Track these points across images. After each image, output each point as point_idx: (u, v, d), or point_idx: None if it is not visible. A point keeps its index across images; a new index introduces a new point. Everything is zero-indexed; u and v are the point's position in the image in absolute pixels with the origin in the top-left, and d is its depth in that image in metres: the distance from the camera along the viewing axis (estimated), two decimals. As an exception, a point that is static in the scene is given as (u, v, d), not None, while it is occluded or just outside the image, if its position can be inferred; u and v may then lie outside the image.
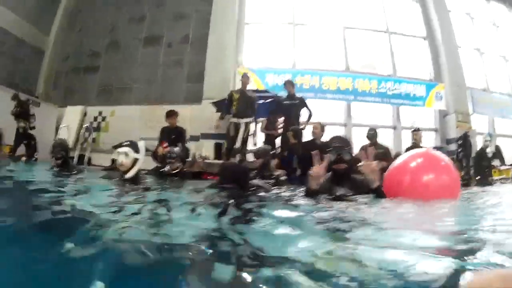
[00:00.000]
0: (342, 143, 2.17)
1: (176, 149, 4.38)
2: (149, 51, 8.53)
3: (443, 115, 9.37)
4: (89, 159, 7.97)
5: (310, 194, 2.02)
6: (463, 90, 9.41)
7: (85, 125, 7.83)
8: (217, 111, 7.31)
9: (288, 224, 1.27)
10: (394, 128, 9.02)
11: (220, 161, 7.06)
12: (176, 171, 4.31)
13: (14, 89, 8.11)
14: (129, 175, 2.65)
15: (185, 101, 7.87)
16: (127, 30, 8.85)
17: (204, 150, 7.27)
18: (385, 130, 8.84)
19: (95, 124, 8.46)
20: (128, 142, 2.74)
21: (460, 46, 9.66)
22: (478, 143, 7.91)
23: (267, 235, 1.15)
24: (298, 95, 5.80)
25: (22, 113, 6.69)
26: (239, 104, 5.33)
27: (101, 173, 5.07)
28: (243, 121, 5.32)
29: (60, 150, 3.47)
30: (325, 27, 8.86)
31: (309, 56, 8.52)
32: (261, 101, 7.22)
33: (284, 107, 5.65)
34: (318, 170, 1.99)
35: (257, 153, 3.93)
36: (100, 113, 8.50)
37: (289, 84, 5.78)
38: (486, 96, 10.04)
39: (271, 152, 4.29)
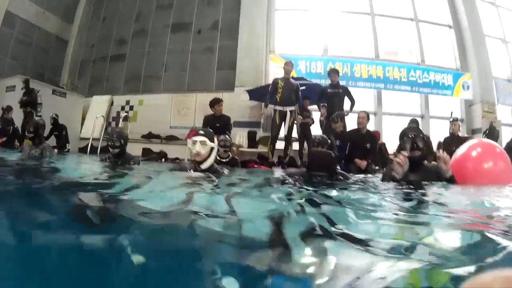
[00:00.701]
0: (416, 132, 2.33)
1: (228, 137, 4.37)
2: (178, 38, 8.40)
3: (468, 104, 9.31)
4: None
5: (390, 179, 2.24)
6: (489, 80, 9.36)
7: (124, 114, 7.51)
8: (250, 98, 7.23)
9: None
10: (422, 117, 8.95)
11: (253, 149, 7.02)
12: (228, 159, 4.32)
13: (40, 80, 8.04)
14: (206, 165, 2.48)
15: (217, 89, 7.75)
16: (154, 17, 8.71)
17: (238, 138, 7.18)
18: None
19: (122, 114, 8.35)
20: (203, 131, 2.51)
21: (486, 35, 9.59)
22: (503, 134, 7.88)
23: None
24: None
25: (30, 102, 6.54)
26: (284, 92, 5.24)
27: (160, 165, 4.91)
28: (288, 108, 5.25)
29: (118, 138, 3.02)
30: (354, 14, 8.75)
31: (338, 43, 8.41)
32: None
33: (328, 96, 5.59)
34: (404, 159, 2.19)
35: (319, 142, 3.88)
36: (127, 102, 8.39)
37: (333, 72, 5.70)
38: (511, 86, 9.98)
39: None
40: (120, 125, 8.02)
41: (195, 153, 2.45)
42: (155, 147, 7.21)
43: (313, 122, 6.61)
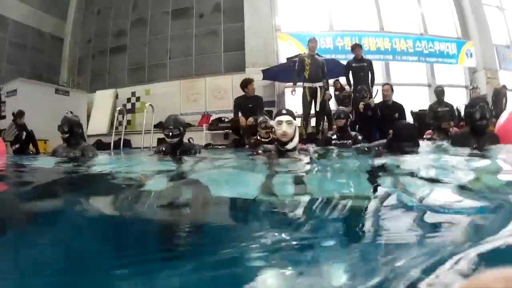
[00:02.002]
0: (484, 103, 2.68)
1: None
2: (180, 24, 8.15)
3: (472, 72, 9.39)
4: (128, 142, 7.59)
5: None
6: (490, 47, 9.45)
7: (118, 108, 7.30)
8: (264, 78, 7.06)
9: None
10: (429, 86, 8.98)
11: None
12: (269, 139, 4.21)
13: (38, 80, 7.74)
14: (292, 145, 2.42)
15: (226, 71, 7.56)
16: (152, 6, 8.44)
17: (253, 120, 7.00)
18: (421, 89, 8.86)
19: (129, 106, 8.07)
20: (285, 110, 2.44)
21: (484, 3, 9.69)
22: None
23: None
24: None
25: None
26: (311, 69, 5.23)
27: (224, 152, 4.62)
28: (317, 85, 5.23)
29: (176, 125, 2.59)
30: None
31: (343, 17, 8.32)
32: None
33: (354, 70, 5.60)
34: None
35: (341, 114, 3.87)
36: (133, 93, 8.11)
37: (358, 47, 5.69)
38: (511, 52, 10.11)
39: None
40: (124, 121, 7.76)
41: (281, 133, 2.37)
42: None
43: (330, 97, 6.57)
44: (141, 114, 7.94)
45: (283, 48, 7.48)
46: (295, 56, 6.99)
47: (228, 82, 7.48)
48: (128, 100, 8.10)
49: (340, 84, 6.92)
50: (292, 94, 5.56)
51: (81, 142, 3.28)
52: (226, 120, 7.01)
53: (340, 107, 4.80)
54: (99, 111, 7.99)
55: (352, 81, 5.61)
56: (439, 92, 5.38)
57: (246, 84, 5.11)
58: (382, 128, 4.59)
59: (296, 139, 2.45)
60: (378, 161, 2.34)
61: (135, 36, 8.47)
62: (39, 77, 8.47)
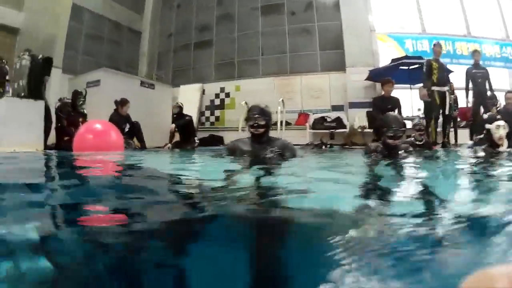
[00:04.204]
0: None
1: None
2: (270, 20, 8.00)
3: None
4: (221, 139, 7.40)
5: None
6: None
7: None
8: (368, 79, 6.92)
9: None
10: None
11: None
12: (423, 142, 4.16)
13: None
14: (504, 147, 2.61)
15: (323, 70, 7.42)
16: (238, 1, 8.28)
17: (357, 119, 6.86)
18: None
19: (218, 102, 7.88)
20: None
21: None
22: None
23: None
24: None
25: None
26: (439, 73, 5.26)
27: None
28: (445, 89, 5.29)
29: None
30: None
31: (433, 20, 8.22)
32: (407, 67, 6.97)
33: (472, 77, 5.71)
34: None
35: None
36: (222, 89, 7.92)
37: (477, 53, 5.90)
38: None
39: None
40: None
41: (498, 137, 2.60)
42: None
43: (456, 101, 6.60)
44: (231, 111, 7.77)
45: (382, 49, 7.36)
46: (401, 58, 6.90)
47: (325, 81, 7.34)
48: (217, 95, 7.92)
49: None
50: (425, 98, 5.51)
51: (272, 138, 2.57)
52: (329, 119, 6.86)
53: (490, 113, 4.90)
54: (185, 106, 7.81)
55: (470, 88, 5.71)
56: None
57: (383, 84, 5.10)
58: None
59: (506, 141, 2.66)
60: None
61: (222, 31, 8.31)
62: (118, 70, 8.29)
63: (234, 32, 8.17)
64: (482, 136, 4.21)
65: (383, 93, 5.25)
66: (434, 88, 5.28)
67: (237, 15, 8.25)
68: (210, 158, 3.01)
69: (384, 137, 2.52)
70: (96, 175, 1.99)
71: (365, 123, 6.85)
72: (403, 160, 2.52)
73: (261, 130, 2.25)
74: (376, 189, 1.40)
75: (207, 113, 7.93)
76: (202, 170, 2.46)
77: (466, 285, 0.28)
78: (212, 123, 7.94)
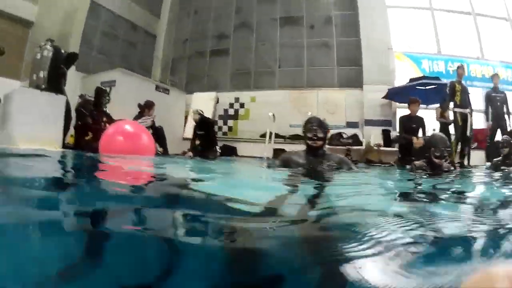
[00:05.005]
0: None
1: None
2: (289, 32, 8.00)
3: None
4: (234, 150, 7.33)
5: None
6: None
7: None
8: (384, 97, 6.94)
9: None
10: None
11: (391, 149, 6.69)
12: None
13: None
14: None
15: (340, 86, 7.42)
16: (257, 11, 8.26)
17: (373, 137, 6.86)
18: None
19: (231, 112, 7.82)
20: None
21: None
22: None
23: None
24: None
25: None
26: (462, 95, 5.40)
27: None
28: (467, 111, 5.43)
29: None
30: (455, 14, 8.69)
31: (448, 42, 8.30)
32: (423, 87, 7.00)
33: (491, 100, 5.87)
34: None
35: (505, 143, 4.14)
36: (236, 99, 7.86)
37: (496, 77, 6.08)
38: None
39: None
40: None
41: None
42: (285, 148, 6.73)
43: (451, 123, 6.57)
44: (245, 121, 7.71)
45: (399, 68, 7.40)
46: (420, 78, 6.94)
47: (341, 97, 7.33)
48: (231, 105, 7.86)
49: None
50: (442, 120, 5.57)
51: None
52: (346, 136, 6.85)
53: (505, 136, 4.98)
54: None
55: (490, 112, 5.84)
56: None
57: (410, 103, 5.11)
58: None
59: None
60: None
61: (239, 40, 8.27)
62: (131, 71, 8.20)
63: (252, 41, 8.14)
64: (500, 158, 4.32)
65: (409, 112, 5.27)
66: (457, 109, 5.41)
67: (256, 24, 8.23)
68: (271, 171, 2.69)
69: (431, 156, 2.63)
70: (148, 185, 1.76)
71: (381, 141, 6.88)
72: (452, 178, 2.64)
73: (320, 142, 2.21)
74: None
75: (220, 123, 7.85)
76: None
77: (466, 285, 0.28)
78: (225, 133, 7.86)
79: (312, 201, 1.36)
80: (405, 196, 1.66)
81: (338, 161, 2.29)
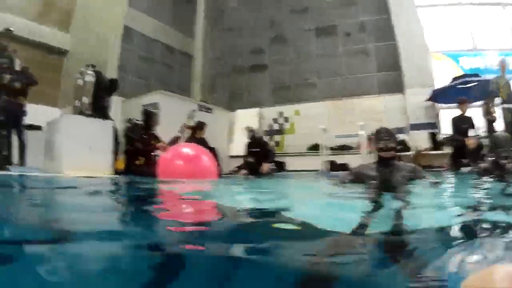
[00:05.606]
0: None
1: None
2: (324, 42, 8.11)
3: None
4: (283, 165, 7.55)
5: None
6: None
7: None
8: (428, 99, 7.05)
9: None
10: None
11: (439, 152, 6.83)
12: None
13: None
14: None
15: (381, 92, 7.55)
16: (289, 23, 8.37)
17: (420, 141, 7.02)
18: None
19: (276, 127, 8.02)
20: None
21: None
22: None
23: None
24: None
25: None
26: (505, 90, 5.39)
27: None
28: None
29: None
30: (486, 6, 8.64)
31: (483, 36, 8.30)
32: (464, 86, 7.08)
33: None
34: None
35: None
36: (280, 113, 8.05)
37: None
38: None
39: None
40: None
41: None
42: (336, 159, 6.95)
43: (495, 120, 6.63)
44: (291, 136, 7.90)
45: (438, 68, 7.48)
46: (462, 76, 6.99)
47: (381, 103, 7.47)
48: (275, 120, 8.06)
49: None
50: (489, 117, 5.60)
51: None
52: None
53: None
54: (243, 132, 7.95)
55: None
56: None
57: (459, 103, 5.33)
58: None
59: None
60: None
61: (275, 54, 8.41)
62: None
63: (288, 54, 8.27)
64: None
65: (460, 112, 5.38)
66: (505, 105, 5.39)
67: (289, 37, 8.34)
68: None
69: (496, 157, 2.60)
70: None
71: (429, 145, 7.02)
72: None
73: (392, 153, 2.17)
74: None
75: (266, 139, 8.06)
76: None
77: (466, 285, 0.28)
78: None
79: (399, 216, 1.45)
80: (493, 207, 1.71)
81: (411, 169, 2.25)
